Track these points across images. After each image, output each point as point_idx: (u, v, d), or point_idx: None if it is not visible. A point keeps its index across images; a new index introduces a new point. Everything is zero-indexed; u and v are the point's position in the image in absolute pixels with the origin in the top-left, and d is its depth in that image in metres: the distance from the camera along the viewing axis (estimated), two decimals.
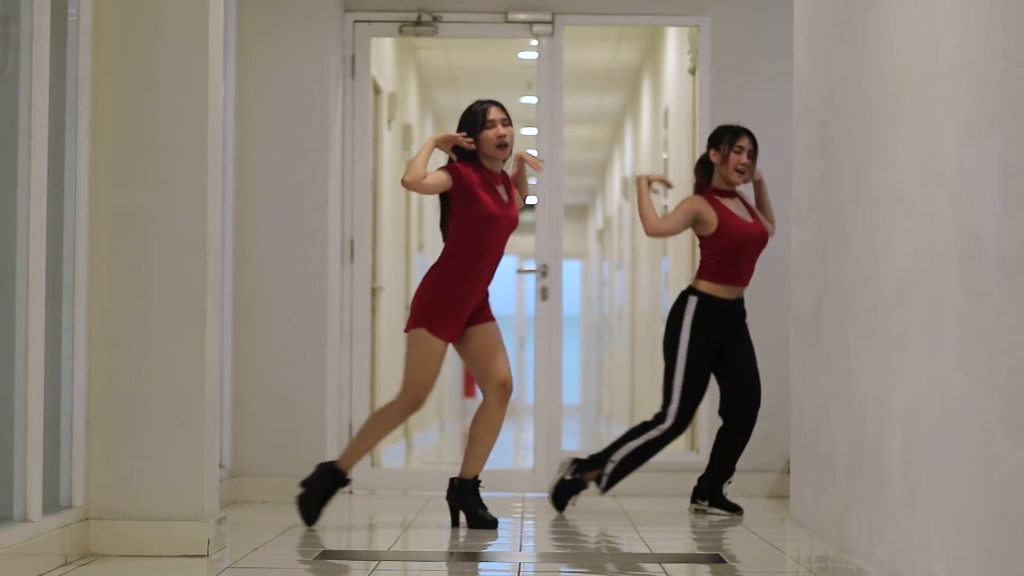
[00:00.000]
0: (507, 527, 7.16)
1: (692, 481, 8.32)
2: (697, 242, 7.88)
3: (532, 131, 9.26)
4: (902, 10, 4.32)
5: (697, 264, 7.81)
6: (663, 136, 12.09)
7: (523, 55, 12.33)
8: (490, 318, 6.99)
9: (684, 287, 7.93)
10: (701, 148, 8.78)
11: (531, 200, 8.06)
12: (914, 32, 4.17)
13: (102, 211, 5.80)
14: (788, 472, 7.30)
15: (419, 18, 8.80)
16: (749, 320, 8.56)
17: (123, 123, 5.83)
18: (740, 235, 7.64)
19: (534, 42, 8.95)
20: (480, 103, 6.95)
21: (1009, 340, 3.26)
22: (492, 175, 6.91)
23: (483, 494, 7.10)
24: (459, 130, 6.89)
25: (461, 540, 6.52)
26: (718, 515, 7.67)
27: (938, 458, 3.82)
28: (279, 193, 8.31)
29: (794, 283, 6.01)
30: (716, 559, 5.90)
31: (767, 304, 8.56)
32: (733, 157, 7.70)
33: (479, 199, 6.80)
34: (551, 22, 8.86)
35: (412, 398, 6.88)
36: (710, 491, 7.74)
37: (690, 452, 8.94)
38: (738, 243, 7.64)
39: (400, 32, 8.90)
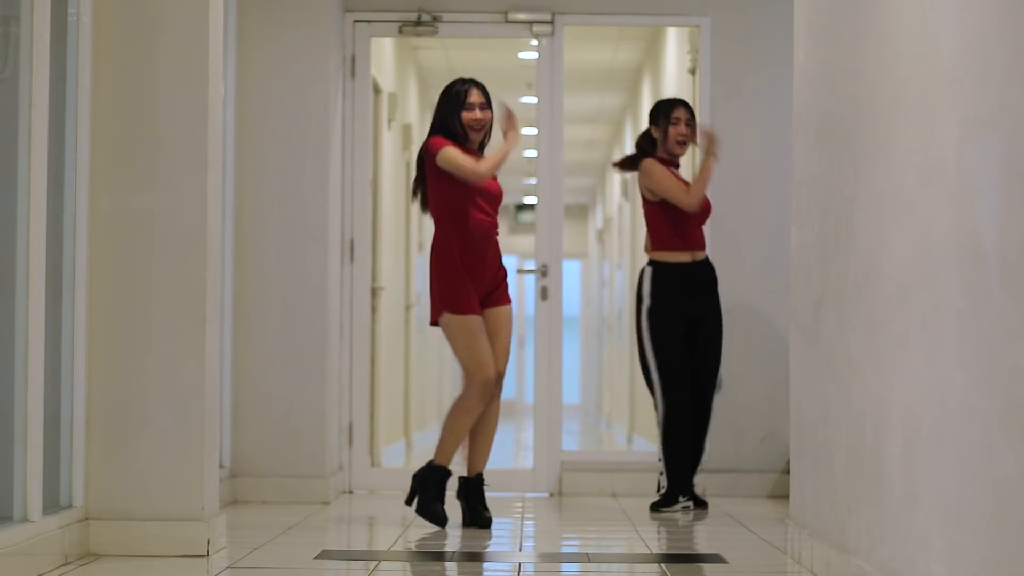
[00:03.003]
0: (507, 527, 7.16)
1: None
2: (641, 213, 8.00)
3: (532, 131, 9.26)
4: (902, 10, 4.32)
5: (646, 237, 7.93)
6: None
7: (523, 55, 12.32)
8: (501, 301, 7.06)
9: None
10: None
11: (531, 200, 8.05)
12: (914, 32, 4.17)
13: (102, 211, 5.80)
14: (788, 472, 7.30)
15: (419, 18, 8.80)
16: (747, 318, 8.58)
17: (123, 123, 5.83)
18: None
19: (534, 42, 8.95)
20: (462, 82, 7.17)
21: (1009, 340, 3.26)
22: (469, 151, 7.08)
23: (486, 494, 7.12)
24: (439, 107, 7.12)
25: (460, 540, 6.52)
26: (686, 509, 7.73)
27: (938, 458, 3.82)
28: (279, 193, 8.31)
29: (794, 283, 6.01)
30: (716, 559, 5.90)
31: (767, 304, 8.57)
32: (672, 130, 7.93)
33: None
34: (551, 22, 8.86)
35: (481, 381, 6.96)
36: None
37: None
38: (683, 210, 7.81)
39: (400, 32, 8.90)
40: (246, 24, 8.33)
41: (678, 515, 7.65)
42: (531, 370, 9.52)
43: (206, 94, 5.84)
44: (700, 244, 7.88)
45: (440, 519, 6.95)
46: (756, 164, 8.69)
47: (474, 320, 6.96)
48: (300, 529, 6.80)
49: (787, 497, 7.30)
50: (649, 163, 7.92)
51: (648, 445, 11.51)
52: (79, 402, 5.71)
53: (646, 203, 7.93)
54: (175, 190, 5.82)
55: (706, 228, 8.68)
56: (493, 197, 7.09)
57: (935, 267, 3.87)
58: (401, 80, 12.27)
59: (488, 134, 7.17)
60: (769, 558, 6.03)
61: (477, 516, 6.97)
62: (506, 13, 8.82)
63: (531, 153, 17.08)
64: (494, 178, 7.13)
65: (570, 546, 6.62)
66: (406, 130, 12.66)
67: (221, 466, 7.91)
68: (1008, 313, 3.28)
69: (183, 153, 5.83)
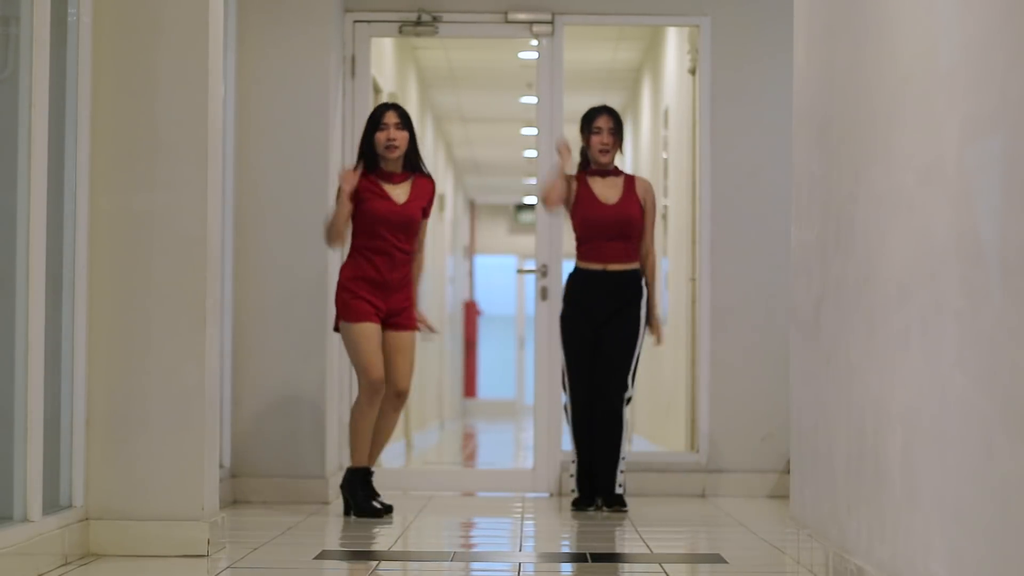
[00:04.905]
0: (507, 527, 7.16)
1: (693, 480, 8.34)
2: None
3: (532, 131, 9.26)
4: (902, 10, 4.32)
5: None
6: (663, 136, 12.09)
7: (523, 55, 12.32)
8: (406, 327, 7.49)
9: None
10: (701, 148, 8.79)
11: (531, 200, 8.09)
12: (914, 32, 4.17)
13: (102, 211, 5.80)
14: (788, 472, 7.30)
15: (419, 18, 8.80)
16: (744, 320, 8.57)
17: (123, 123, 5.83)
18: (590, 213, 7.88)
19: (534, 42, 8.95)
20: (382, 106, 7.55)
21: (1009, 340, 3.26)
22: (387, 174, 7.49)
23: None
24: (366, 126, 7.52)
25: (460, 540, 6.53)
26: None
27: (938, 458, 3.83)
28: (279, 193, 8.31)
29: (794, 283, 6.01)
30: (716, 559, 5.90)
31: (767, 304, 8.57)
32: (593, 139, 7.98)
33: (364, 199, 7.41)
34: (551, 22, 8.86)
35: (366, 383, 7.35)
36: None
37: (690, 452, 8.95)
38: (587, 219, 7.88)
39: (400, 32, 8.90)
40: (246, 24, 8.33)
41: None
42: (531, 370, 9.52)
43: (206, 94, 5.84)
44: (615, 258, 7.90)
45: (376, 512, 7.33)
46: (756, 164, 8.69)
47: (363, 328, 7.35)
48: (300, 529, 6.80)
49: (787, 497, 7.30)
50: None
51: (648, 445, 11.51)
52: (79, 402, 5.71)
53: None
54: (175, 190, 5.82)
55: (706, 227, 8.69)
56: (393, 225, 7.43)
57: (935, 267, 3.87)
58: (401, 80, 12.27)
59: (408, 153, 7.46)
60: (769, 558, 6.03)
61: (367, 508, 7.34)
62: (506, 13, 8.82)
63: (531, 153, 17.07)
64: (408, 203, 7.45)
65: (570, 546, 6.62)
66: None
67: (221, 466, 7.91)
68: (1008, 313, 3.28)
69: (183, 153, 5.83)
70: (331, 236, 7.47)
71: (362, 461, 7.41)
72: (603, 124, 7.93)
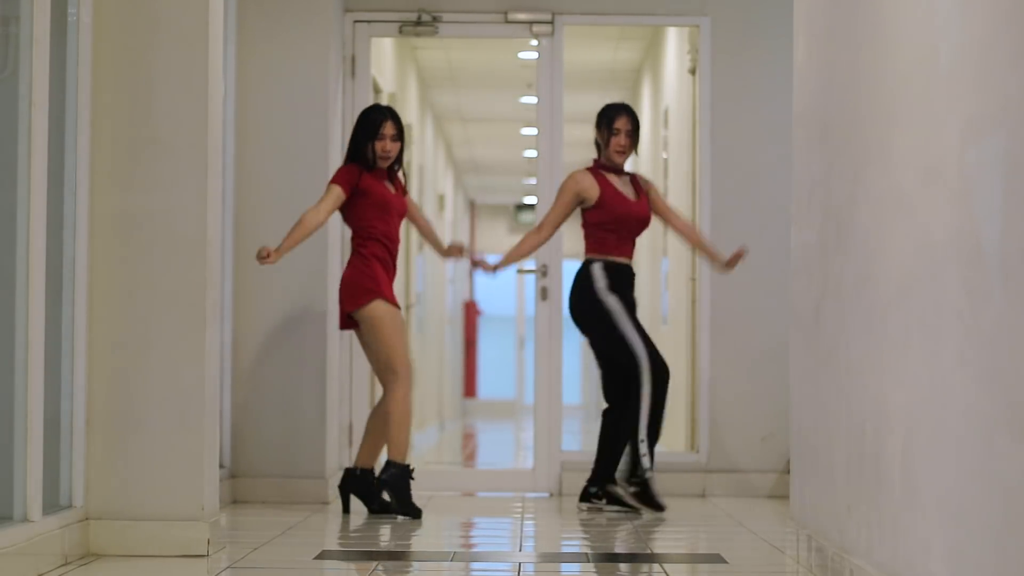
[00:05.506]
0: (507, 527, 7.16)
1: (693, 480, 8.34)
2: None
3: (532, 131, 9.26)
4: (902, 10, 4.32)
5: (585, 243, 7.93)
6: (663, 136, 12.08)
7: (523, 55, 12.32)
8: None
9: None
10: (701, 148, 8.79)
11: (531, 200, 8.08)
12: (914, 32, 4.17)
13: (102, 211, 5.81)
14: (788, 472, 7.30)
15: (419, 18, 8.80)
16: (744, 319, 8.57)
17: (123, 123, 5.83)
18: (620, 210, 7.82)
19: (534, 42, 8.96)
20: (380, 113, 7.56)
21: (1009, 340, 3.26)
22: (380, 171, 7.55)
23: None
24: (354, 132, 7.57)
25: (460, 540, 6.53)
26: (613, 510, 7.69)
27: (938, 458, 3.83)
28: (279, 193, 8.30)
29: (794, 283, 6.01)
30: (716, 559, 5.90)
31: (767, 304, 8.57)
32: (612, 140, 7.93)
33: (372, 189, 7.47)
34: (551, 22, 8.86)
35: (406, 372, 7.41)
36: (602, 488, 7.73)
37: (690, 452, 8.95)
38: (617, 217, 7.81)
39: (400, 32, 8.90)
40: (246, 24, 8.33)
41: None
42: (531, 370, 9.52)
43: (206, 94, 5.84)
44: (632, 255, 7.95)
45: (420, 512, 7.27)
46: (756, 164, 8.69)
47: (399, 313, 7.47)
48: (300, 529, 6.80)
49: (787, 497, 7.30)
50: (571, 176, 7.92)
51: None
52: (79, 402, 5.71)
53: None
54: (175, 190, 5.83)
55: (706, 226, 8.70)
56: (397, 211, 7.58)
57: (935, 267, 3.87)
58: (401, 80, 12.27)
59: (399, 161, 7.59)
60: (769, 558, 6.03)
61: (409, 507, 7.28)
62: (506, 13, 8.82)
63: (531, 153, 17.07)
64: (404, 194, 7.64)
65: (570, 546, 6.62)
66: (406, 130, 12.65)
67: (221, 466, 7.91)
68: (1008, 313, 3.28)
69: (183, 153, 5.83)
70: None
71: (405, 456, 7.39)
72: (622, 126, 7.92)
